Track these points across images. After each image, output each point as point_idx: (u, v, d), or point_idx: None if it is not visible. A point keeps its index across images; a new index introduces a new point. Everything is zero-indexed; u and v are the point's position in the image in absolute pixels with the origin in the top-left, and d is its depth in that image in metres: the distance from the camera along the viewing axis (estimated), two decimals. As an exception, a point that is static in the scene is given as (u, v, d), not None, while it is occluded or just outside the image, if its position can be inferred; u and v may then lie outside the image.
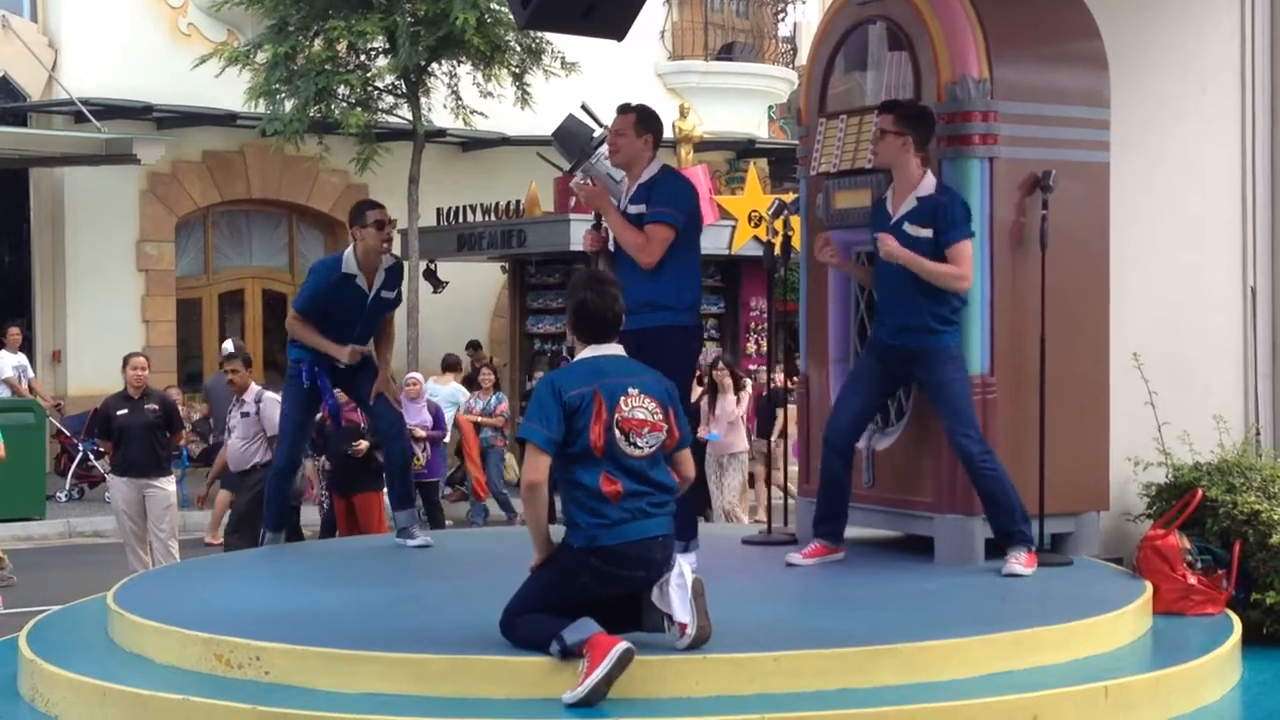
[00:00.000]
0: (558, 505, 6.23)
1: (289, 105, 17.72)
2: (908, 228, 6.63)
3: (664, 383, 5.33)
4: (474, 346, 19.95)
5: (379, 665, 5.10)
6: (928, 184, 6.66)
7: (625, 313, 6.25)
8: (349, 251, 7.56)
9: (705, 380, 13.79)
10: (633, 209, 6.72)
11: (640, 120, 6.77)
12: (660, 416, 5.19)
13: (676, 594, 5.04)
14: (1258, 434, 7.69)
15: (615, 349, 5.30)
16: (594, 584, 5.10)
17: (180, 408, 13.21)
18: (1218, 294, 7.82)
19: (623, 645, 4.84)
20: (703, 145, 20.38)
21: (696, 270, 6.79)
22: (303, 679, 5.13)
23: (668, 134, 19.27)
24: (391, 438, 7.95)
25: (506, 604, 5.22)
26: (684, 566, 5.10)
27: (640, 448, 5.12)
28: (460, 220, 19.20)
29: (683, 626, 5.03)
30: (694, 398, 13.15)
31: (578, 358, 5.28)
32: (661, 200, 6.64)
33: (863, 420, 6.91)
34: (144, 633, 5.75)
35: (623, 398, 5.13)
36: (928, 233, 6.57)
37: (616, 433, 5.08)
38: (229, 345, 16.14)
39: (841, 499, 6.87)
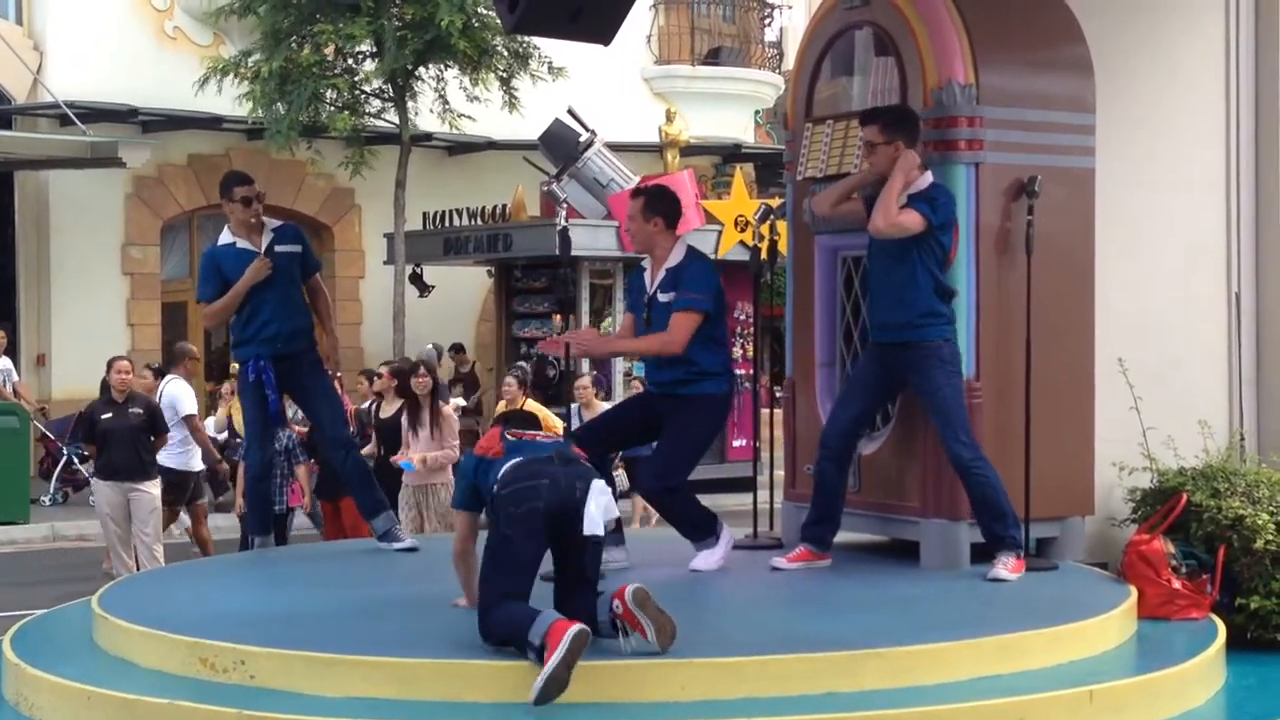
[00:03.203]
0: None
1: (281, 110, 17.72)
2: None
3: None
4: (457, 349, 19.96)
5: (364, 669, 5.09)
6: (922, 181, 6.67)
7: (656, 383, 6.85)
8: (225, 227, 7.66)
9: (398, 390, 10.95)
10: (662, 297, 6.76)
11: (647, 204, 6.81)
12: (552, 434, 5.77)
13: (595, 501, 5.16)
14: (1242, 439, 7.71)
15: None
16: (511, 525, 5.17)
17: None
18: (1202, 299, 7.84)
19: (577, 626, 4.85)
20: (689, 150, 20.39)
21: (725, 339, 6.92)
22: (287, 683, 5.12)
23: (654, 138, 19.50)
24: (340, 451, 7.76)
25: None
26: (600, 483, 5.23)
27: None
28: (446, 224, 19.19)
29: (641, 632, 5.05)
30: (378, 409, 11.39)
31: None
32: (688, 285, 6.70)
33: (860, 424, 6.90)
34: (129, 637, 5.74)
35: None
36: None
37: (508, 438, 5.45)
38: (430, 350, 16.53)
39: (834, 504, 6.86)
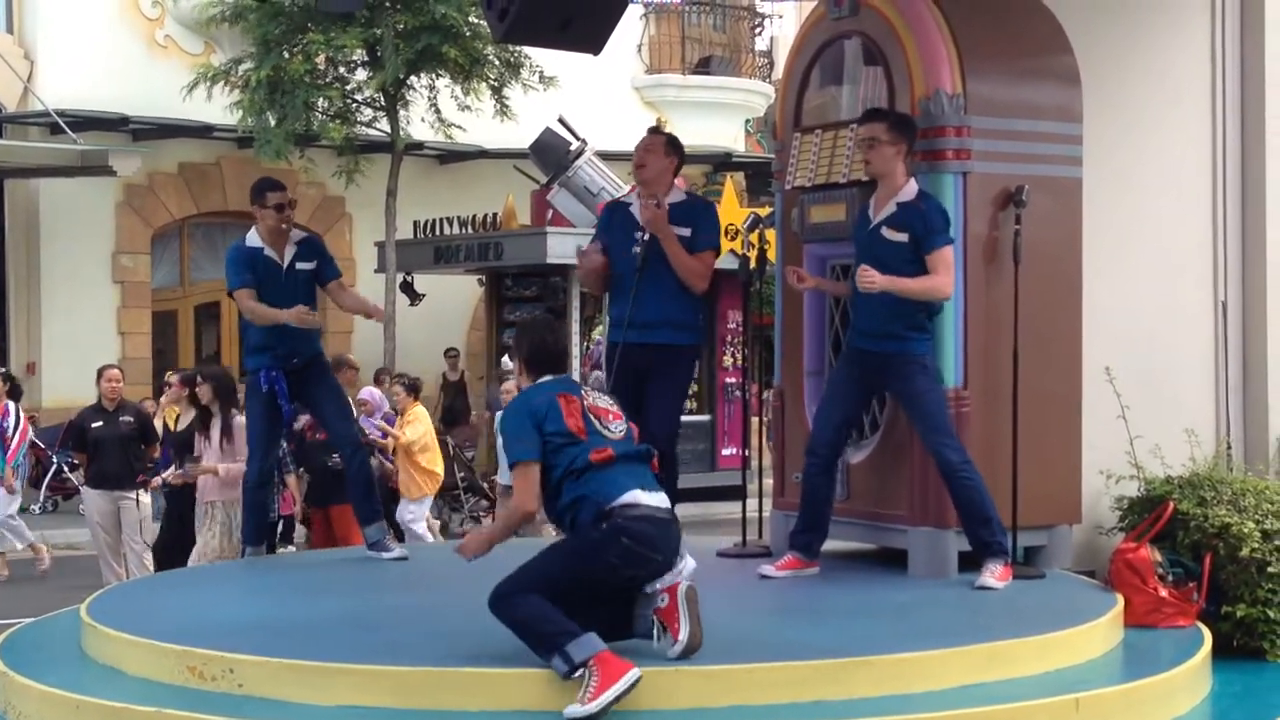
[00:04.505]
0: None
1: (273, 120, 17.73)
2: (885, 231, 6.65)
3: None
4: (453, 354, 20.05)
5: (354, 677, 5.09)
6: (909, 190, 6.67)
7: (641, 328, 6.89)
8: (253, 230, 7.65)
9: (190, 399, 10.43)
10: (677, 229, 7.04)
11: (670, 142, 7.27)
12: (619, 408, 5.48)
13: (677, 576, 5.15)
14: (1229, 448, 7.72)
15: (563, 375, 5.59)
16: (621, 564, 5.09)
17: (155, 420, 13.16)
18: (1189, 308, 7.86)
19: (637, 672, 4.84)
20: (679, 159, 20.42)
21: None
22: (276, 691, 5.12)
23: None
24: (348, 449, 7.84)
25: (511, 575, 5.14)
26: (691, 564, 5.22)
27: (614, 432, 5.33)
28: (437, 233, 19.21)
29: (675, 631, 5.06)
30: (173, 422, 11.21)
31: (533, 385, 5.46)
32: (710, 229, 7.16)
33: (845, 429, 6.91)
34: (117, 645, 5.74)
35: (583, 392, 5.42)
36: (904, 237, 6.59)
37: (592, 417, 5.30)
38: (507, 361, 16.51)
39: (822, 512, 6.87)
